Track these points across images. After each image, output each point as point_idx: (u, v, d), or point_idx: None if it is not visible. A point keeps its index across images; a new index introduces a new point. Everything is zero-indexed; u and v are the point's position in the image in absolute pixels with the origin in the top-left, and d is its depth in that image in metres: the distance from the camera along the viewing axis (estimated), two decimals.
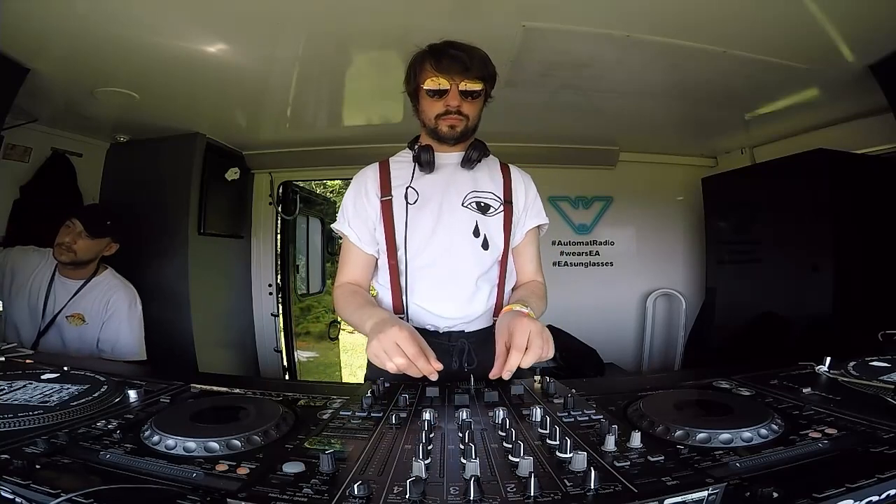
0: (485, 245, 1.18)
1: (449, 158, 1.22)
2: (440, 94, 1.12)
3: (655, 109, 2.46)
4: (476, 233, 1.18)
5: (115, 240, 1.81)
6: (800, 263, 2.23)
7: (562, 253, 3.37)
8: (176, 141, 2.70)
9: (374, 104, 2.52)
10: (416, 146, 1.19)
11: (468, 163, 1.20)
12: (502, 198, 1.22)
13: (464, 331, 1.18)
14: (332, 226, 1.28)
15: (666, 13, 1.56)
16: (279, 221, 3.48)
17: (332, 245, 4.48)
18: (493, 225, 1.20)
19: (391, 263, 1.17)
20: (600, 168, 3.31)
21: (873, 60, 1.76)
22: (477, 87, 1.12)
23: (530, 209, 1.26)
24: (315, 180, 5.43)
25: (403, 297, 1.17)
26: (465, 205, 1.19)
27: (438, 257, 1.17)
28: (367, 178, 1.22)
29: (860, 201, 2.13)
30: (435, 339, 1.09)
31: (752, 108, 2.43)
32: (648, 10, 1.55)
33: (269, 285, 3.43)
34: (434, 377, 0.89)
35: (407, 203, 1.16)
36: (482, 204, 1.20)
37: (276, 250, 3.46)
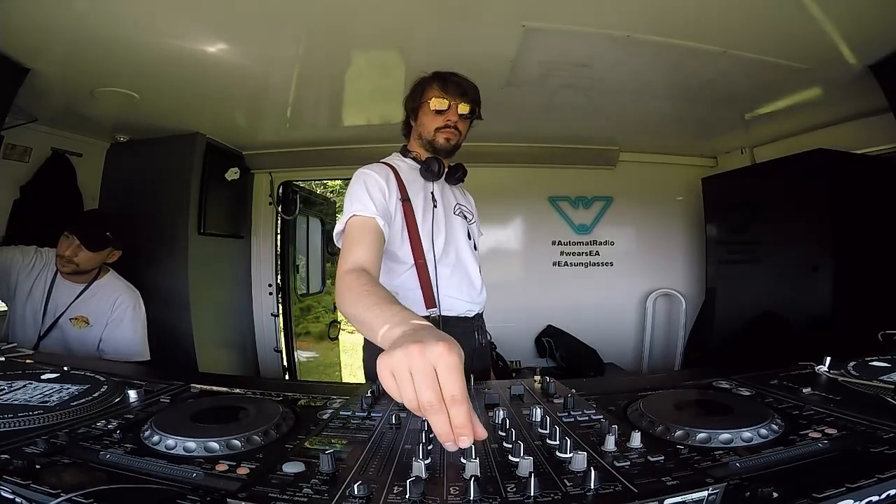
0: (474, 247, 1.43)
1: None
2: (442, 111, 1.31)
3: (655, 109, 2.46)
4: (469, 236, 1.42)
5: (117, 247, 1.78)
6: (800, 263, 2.23)
7: (562, 253, 3.37)
8: (176, 141, 2.70)
9: (374, 104, 2.52)
10: (424, 158, 1.35)
11: (453, 179, 1.42)
12: (474, 212, 1.50)
13: (478, 314, 1.43)
14: (341, 219, 1.18)
15: (666, 13, 1.56)
16: (279, 221, 3.48)
17: (332, 245, 4.48)
18: (473, 232, 1.45)
19: (419, 263, 1.28)
20: (600, 168, 3.31)
21: (873, 60, 1.76)
22: (467, 109, 1.32)
23: (478, 223, 1.52)
24: (315, 180, 5.42)
25: (435, 291, 1.30)
26: (455, 213, 1.41)
27: (455, 256, 1.36)
28: (382, 176, 1.25)
29: (860, 201, 2.13)
30: (462, 323, 1.34)
31: (752, 108, 2.43)
32: (648, 10, 1.55)
33: (269, 285, 3.43)
34: (465, 444, 0.55)
35: (434, 207, 1.33)
36: (464, 214, 1.44)
37: (276, 250, 3.46)
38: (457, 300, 1.34)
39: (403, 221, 1.27)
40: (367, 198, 1.17)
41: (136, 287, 1.85)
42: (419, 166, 1.35)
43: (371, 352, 1.32)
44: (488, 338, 1.49)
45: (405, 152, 1.39)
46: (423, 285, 1.29)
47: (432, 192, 1.36)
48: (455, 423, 0.54)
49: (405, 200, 1.29)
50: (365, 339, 1.39)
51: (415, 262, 1.28)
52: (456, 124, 1.32)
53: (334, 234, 1.19)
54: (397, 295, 1.22)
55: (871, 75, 1.80)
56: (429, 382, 0.55)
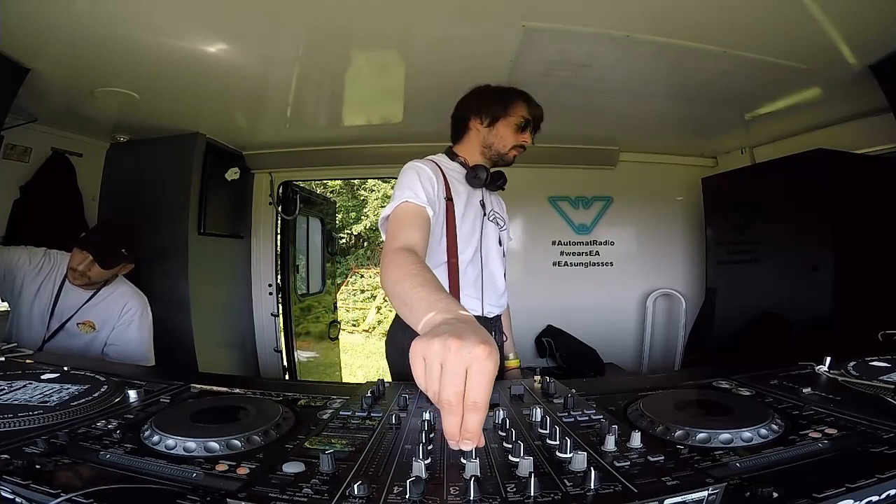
0: (503, 253, 1.47)
1: None
2: (524, 128, 1.36)
3: (655, 109, 2.46)
4: (499, 242, 1.45)
5: (130, 261, 1.77)
6: (800, 263, 2.23)
7: (562, 253, 3.37)
8: (176, 141, 2.70)
9: (374, 104, 2.52)
10: (472, 165, 1.37)
11: (494, 186, 1.43)
12: (506, 219, 1.52)
13: (497, 315, 1.46)
14: (389, 205, 1.17)
15: (666, 13, 1.56)
16: (279, 221, 3.48)
17: (332, 245, 4.48)
18: (504, 238, 1.49)
19: (451, 262, 1.31)
20: (600, 168, 3.31)
21: (873, 60, 1.76)
22: (531, 138, 1.40)
23: (509, 229, 1.56)
24: (315, 180, 5.43)
25: (462, 292, 1.33)
26: (490, 219, 1.43)
27: (485, 259, 1.39)
28: (432, 172, 1.26)
29: (860, 201, 2.12)
30: (483, 323, 1.28)
31: (752, 108, 2.43)
32: (648, 10, 1.55)
33: (269, 285, 3.43)
34: (467, 448, 0.55)
35: (472, 211, 1.36)
36: (497, 220, 1.46)
37: (276, 250, 3.46)
38: (479, 301, 1.38)
39: (444, 220, 1.30)
40: (419, 187, 1.17)
41: (136, 287, 1.85)
42: (465, 171, 1.38)
43: (396, 346, 1.33)
44: (503, 338, 1.53)
45: (452, 155, 1.41)
46: (452, 284, 1.31)
47: (473, 197, 1.38)
48: (466, 428, 0.53)
49: (449, 200, 1.31)
50: (390, 333, 1.42)
51: (447, 261, 1.31)
52: (524, 145, 1.38)
53: (380, 220, 1.19)
54: None
55: (871, 75, 1.80)
56: (456, 382, 0.53)
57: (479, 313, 1.38)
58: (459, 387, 0.53)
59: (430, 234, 1.15)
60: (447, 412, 0.53)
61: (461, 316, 0.65)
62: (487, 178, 1.37)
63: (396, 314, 1.32)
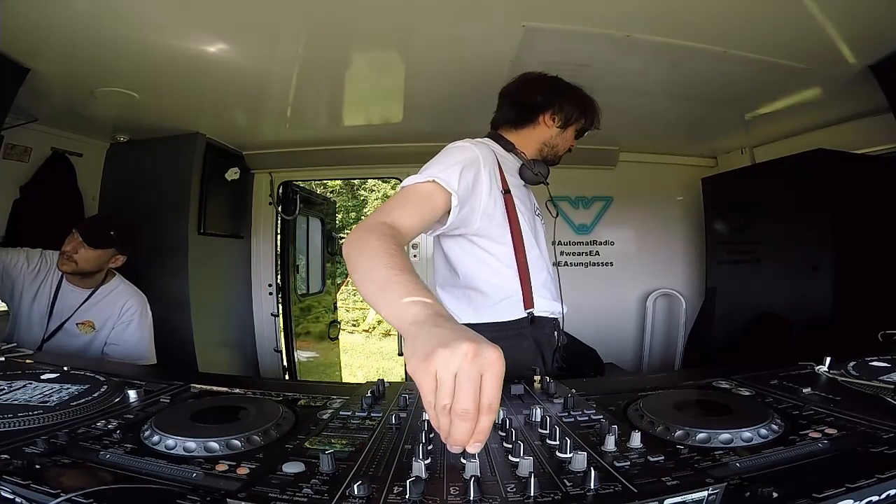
0: (548, 250, 1.37)
1: None
2: (578, 138, 1.37)
3: (655, 109, 2.46)
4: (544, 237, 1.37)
5: (122, 252, 1.75)
6: (800, 263, 2.23)
7: (562, 253, 3.36)
8: (176, 141, 2.70)
9: (374, 104, 2.52)
10: (529, 159, 1.29)
11: (536, 181, 1.33)
12: (541, 214, 1.41)
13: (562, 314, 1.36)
14: (416, 175, 1.01)
15: (666, 13, 1.56)
16: (279, 221, 3.48)
17: (332, 245, 4.48)
18: (547, 234, 1.40)
19: (520, 260, 1.22)
20: (600, 168, 3.31)
21: (873, 60, 1.76)
22: None
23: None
24: (315, 180, 5.43)
25: (532, 293, 1.24)
26: (537, 214, 1.36)
27: (546, 255, 1.33)
28: (488, 159, 1.14)
29: (860, 201, 2.13)
30: (551, 323, 1.29)
31: (752, 108, 2.43)
32: (648, 10, 1.55)
33: (269, 285, 3.43)
34: (476, 450, 0.54)
35: (547, 211, 1.35)
36: (539, 216, 1.38)
37: (276, 250, 3.46)
38: (559, 302, 1.31)
39: (505, 215, 1.18)
40: (456, 173, 1.02)
41: (136, 287, 1.85)
42: (520, 164, 1.28)
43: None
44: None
45: (506, 144, 1.28)
46: (523, 284, 1.22)
47: (520, 190, 1.28)
48: (479, 429, 0.53)
49: (507, 193, 1.19)
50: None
51: (516, 259, 1.21)
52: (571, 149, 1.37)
53: (403, 182, 1.02)
54: (492, 292, 1.21)
55: (871, 75, 1.80)
56: (472, 390, 0.52)
57: (560, 315, 1.31)
58: (476, 394, 0.52)
59: (434, 223, 1.04)
60: (462, 420, 0.52)
61: (447, 314, 0.63)
62: (546, 176, 1.29)
63: None
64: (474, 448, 0.54)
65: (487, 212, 1.13)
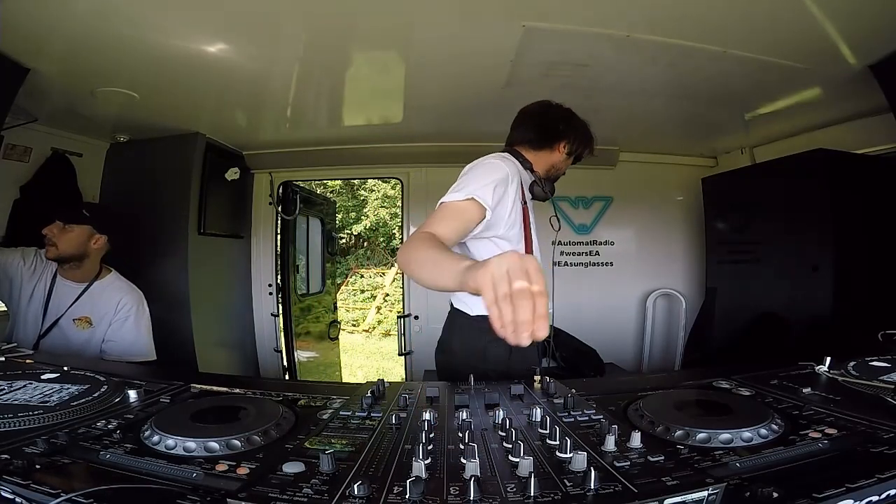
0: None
1: None
2: (572, 164, 1.54)
3: (655, 109, 2.45)
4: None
5: (101, 231, 1.73)
6: (800, 263, 2.23)
7: (562, 253, 3.36)
8: (176, 141, 2.70)
9: (374, 104, 2.51)
10: (541, 178, 1.49)
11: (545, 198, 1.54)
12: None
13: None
14: (453, 191, 1.18)
15: (666, 13, 1.56)
16: (279, 221, 3.48)
17: (332, 245, 4.48)
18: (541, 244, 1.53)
19: None
20: (600, 168, 3.30)
21: (873, 60, 1.76)
22: None
23: None
24: (315, 180, 5.43)
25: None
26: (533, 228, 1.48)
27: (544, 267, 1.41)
28: (514, 175, 1.31)
29: (860, 201, 2.12)
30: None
31: (752, 108, 2.42)
32: (648, 10, 1.55)
33: (269, 285, 3.43)
34: (542, 334, 0.65)
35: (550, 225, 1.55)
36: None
37: (276, 250, 3.45)
38: (552, 311, 1.44)
39: (521, 224, 1.34)
40: (491, 190, 1.19)
41: (136, 287, 1.85)
42: (532, 180, 1.45)
43: (467, 333, 1.37)
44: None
45: (523, 161, 1.44)
46: None
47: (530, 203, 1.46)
48: (538, 312, 0.63)
49: (525, 204, 1.36)
50: (449, 326, 1.46)
51: None
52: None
53: (441, 200, 1.18)
54: None
55: (871, 75, 1.80)
56: (523, 276, 0.65)
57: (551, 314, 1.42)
58: (527, 277, 0.65)
59: (469, 234, 1.21)
60: (522, 299, 0.63)
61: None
62: (553, 193, 1.50)
63: (449, 324, 1.41)
64: (542, 331, 0.63)
65: (510, 221, 1.30)
